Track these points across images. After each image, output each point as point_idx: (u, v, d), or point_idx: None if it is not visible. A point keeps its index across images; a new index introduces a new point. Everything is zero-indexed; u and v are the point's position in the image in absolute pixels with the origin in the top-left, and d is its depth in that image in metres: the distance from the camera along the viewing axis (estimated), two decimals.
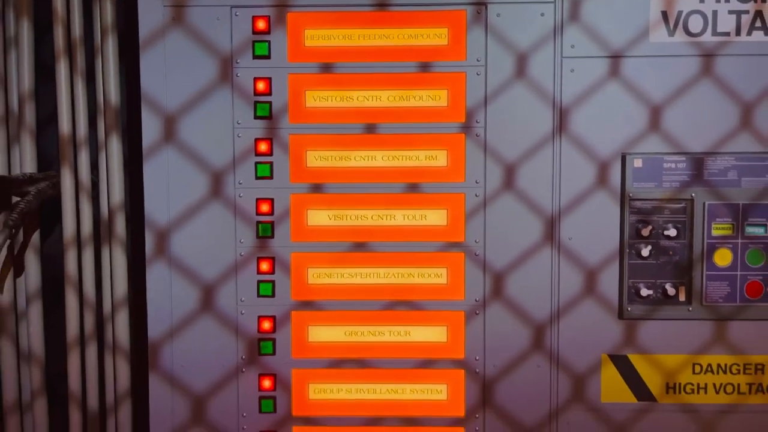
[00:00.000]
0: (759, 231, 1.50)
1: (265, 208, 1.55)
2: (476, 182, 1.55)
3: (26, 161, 1.70)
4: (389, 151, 1.55)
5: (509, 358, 1.57)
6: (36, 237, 1.73)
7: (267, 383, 1.57)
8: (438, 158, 1.55)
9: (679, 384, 1.55)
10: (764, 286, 1.51)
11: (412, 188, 1.55)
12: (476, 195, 1.55)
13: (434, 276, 1.57)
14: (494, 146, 1.54)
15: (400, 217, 1.56)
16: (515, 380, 1.57)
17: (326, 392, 1.59)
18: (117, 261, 1.71)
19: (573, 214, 1.54)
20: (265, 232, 1.55)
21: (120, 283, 1.72)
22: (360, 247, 1.56)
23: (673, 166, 1.51)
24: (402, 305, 1.57)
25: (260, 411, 1.57)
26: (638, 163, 1.51)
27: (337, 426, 1.59)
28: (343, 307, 1.57)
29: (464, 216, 1.55)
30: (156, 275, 1.56)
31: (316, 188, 1.56)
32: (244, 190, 1.55)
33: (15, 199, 1.69)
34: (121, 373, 1.75)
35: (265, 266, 1.56)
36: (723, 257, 1.51)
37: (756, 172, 1.50)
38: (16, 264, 1.73)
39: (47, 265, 1.77)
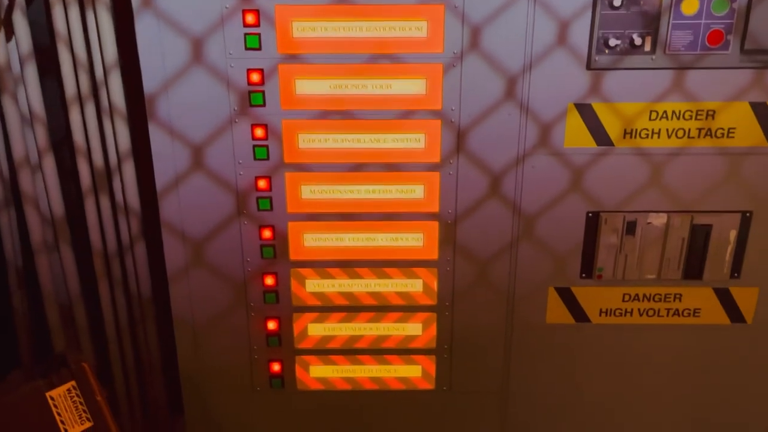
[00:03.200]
0: None
1: None
2: None
3: None
4: None
5: (483, 107, 1.69)
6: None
7: (260, 132, 1.70)
8: None
9: (636, 129, 1.70)
10: (725, 35, 1.60)
11: None
12: None
13: (415, 29, 1.63)
14: None
15: None
16: (487, 128, 1.70)
17: (314, 141, 1.73)
18: (103, 20, 1.75)
19: None
20: None
21: (109, 44, 1.78)
22: None
23: None
24: (384, 58, 1.65)
25: (255, 158, 1.72)
26: None
27: (325, 171, 1.75)
28: (327, 60, 1.65)
29: None
30: (145, 29, 1.61)
31: None
32: None
33: None
34: (120, 133, 1.87)
35: (250, 18, 1.60)
36: (690, 5, 1.58)
37: None
38: (6, 28, 1.76)
39: (34, 32, 1.80)
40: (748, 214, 1.77)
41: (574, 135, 1.71)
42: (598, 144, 1.72)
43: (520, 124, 1.70)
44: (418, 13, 1.61)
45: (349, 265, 1.85)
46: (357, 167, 1.75)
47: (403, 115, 1.70)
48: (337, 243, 1.82)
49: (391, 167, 1.75)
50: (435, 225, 1.81)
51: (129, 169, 1.94)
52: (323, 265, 1.85)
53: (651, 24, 1.60)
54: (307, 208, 1.79)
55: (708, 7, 1.58)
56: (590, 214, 1.78)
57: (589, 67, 1.64)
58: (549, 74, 1.65)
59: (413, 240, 1.83)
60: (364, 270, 1.85)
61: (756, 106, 1.67)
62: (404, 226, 1.81)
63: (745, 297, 1.86)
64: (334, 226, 1.81)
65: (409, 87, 1.68)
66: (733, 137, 1.70)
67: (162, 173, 1.74)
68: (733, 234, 1.79)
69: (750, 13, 1.57)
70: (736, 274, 1.83)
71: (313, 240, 1.82)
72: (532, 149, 1.72)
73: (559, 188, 1.76)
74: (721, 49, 1.61)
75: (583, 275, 1.84)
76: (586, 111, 1.69)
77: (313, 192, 1.77)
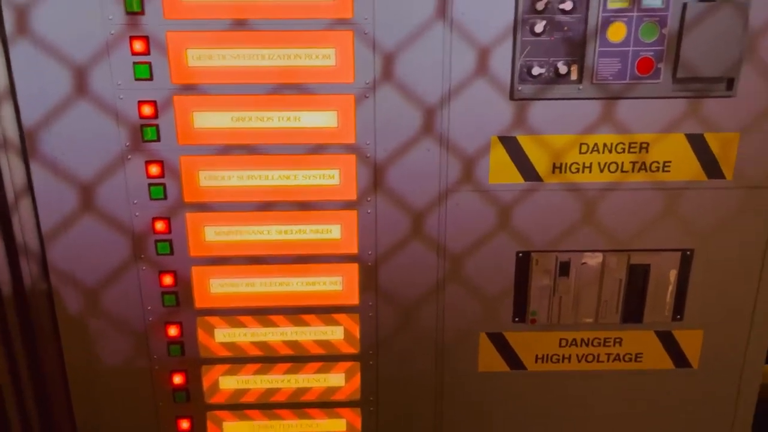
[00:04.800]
0: (655, 3, 1.44)
1: None
2: None
3: None
4: None
5: (400, 141, 1.55)
6: None
7: (154, 170, 1.54)
8: None
9: (565, 164, 1.57)
10: (655, 63, 1.48)
11: None
12: None
13: (322, 57, 1.49)
14: None
15: None
16: (406, 163, 1.57)
17: (217, 179, 1.57)
18: None
19: None
20: (133, 6, 1.42)
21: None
22: (241, 24, 1.45)
23: None
24: (289, 89, 1.51)
25: (151, 197, 1.56)
26: None
27: (231, 211, 1.60)
28: (228, 91, 1.50)
29: None
30: (21, 56, 1.45)
31: None
32: None
33: None
34: (15, 167, 1.70)
35: (139, 46, 1.45)
36: (617, 32, 1.46)
37: None
38: None
39: None
40: (688, 253, 1.65)
41: (500, 170, 1.58)
42: (526, 179, 1.59)
43: (441, 158, 1.56)
44: (325, 40, 1.48)
45: (261, 312, 1.69)
46: (266, 206, 1.60)
47: (314, 149, 1.56)
48: (247, 289, 1.67)
49: (304, 206, 1.60)
50: (354, 267, 1.66)
51: (26, 207, 1.76)
52: (233, 313, 1.69)
53: (576, 51, 1.48)
54: (212, 251, 1.63)
55: (636, 33, 1.46)
56: (520, 254, 1.65)
57: (512, 97, 1.52)
58: (470, 105, 1.52)
59: (331, 284, 1.67)
60: (278, 317, 1.69)
61: (692, 138, 1.56)
62: (321, 269, 1.66)
63: (689, 340, 1.73)
64: (244, 271, 1.65)
65: (320, 119, 1.54)
66: (669, 171, 1.58)
67: (47, 215, 1.57)
68: (673, 274, 1.66)
69: (681, 39, 1.46)
70: (678, 316, 1.70)
71: (220, 286, 1.66)
72: (455, 185, 1.59)
73: (486, 227, 1.63)
74: (651, 78, 1.50)
75: (516, 319, 1.71)
76: (510, 144, 1.56)
77: (219, 234, 1.62)
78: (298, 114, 1.54)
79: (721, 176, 1.59)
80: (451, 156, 1.56)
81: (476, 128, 1.54)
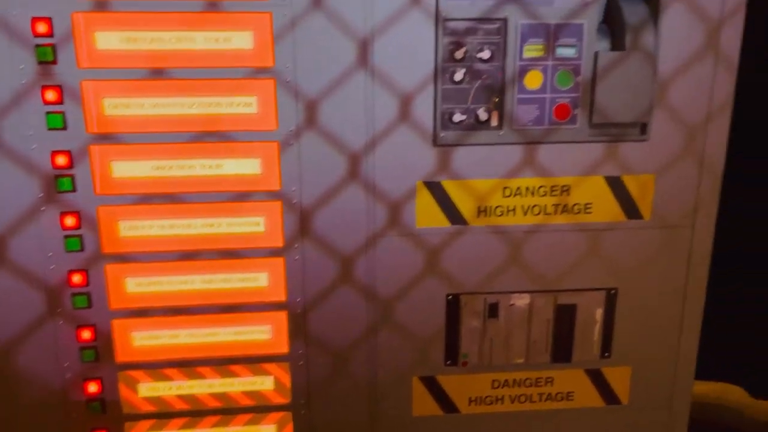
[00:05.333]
0: (569, 52, 1.49)
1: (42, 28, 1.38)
2: (283, 0, 1.42)
3: None
4: None
5: (326, 187, 1.55)
6: None
7: (70, 221, 1.49)
8: None
9: (490, 207, 1.59)
10: (572, 109, 1.53)
11: (212, 6, 1.42)
12: (284, 15, 1.43)
13: (243, 105, 1.48)
14: None
15: (201, 40, 1.43)
16: (333, 209, 1.56)
17: (138, 229, 1.53)
18: None
19: (386, 37, 1.46)
20: (45, 56, 1.38)
21: None
22: (158, 73, 1.43)
23: None
24: (211, 137, 1.49)
25: (66, 250, 1.51)
26: None
27: (153, 261, 1.55)
28: (148, 139, 1.47)
29: (272, 38, 1.44)
30: None
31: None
32: None
33: None
34: None
35: (51, 95, 1.41)
36: (533, 79, 1.50)
37: None
38: None
39: None
40: (613, 291, 1.68)
41: (426, 214, 1.59)
42: (452, 223, 1.60)
43: (368, 204, 1.56)
44: (247, 88, 1.47)
45: (187, 364, 1.63)
46: (189, 255, 1.56)
47: (238, 197, 1.53)
48: (171, 340, 1.61)
49: (229, 254, 1.57)
50: (283, 315, 1.63)
51: None
52: (157, 366, 1.63)
53: (495, 98, 1.51)
54: (133, 303, 1.57)
55: (552, 81, 1.51)
56: (450, 297, 1.65)
57: (435, 143, 1.53)
58: (395, 151, 1.53)
59: (260, 333, 1.64)
60: (205, 369, 1.64)
61: (610, 180, 1.60)
62: (248, 318, 1.62)
63: (618, 377, 1.76)
64: (167, 322, 1.60)
65: (243, 167, 1.52)
66: (590, 213, 1.62)
67: None
68: (599, 312, 1.69)
69: (595, 86, 1.51)
70: (606, 354, 1.73)
71: (143, 338, 1.60)
72: (383, 230, 1.59)
73: (415, 270, 1.63)
74: (569, 124, 1.54)
75: (448, 362, 1.70)
76: (436, 189, 1.57)
77: (140, 285, 1.57)
78: (221, 162, 1.51)
79: (640, 217, 1.64)
80: (378, 201, 1.56)
81: (402, 173, 1.55)
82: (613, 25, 1.52)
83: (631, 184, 1.61)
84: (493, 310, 1.66)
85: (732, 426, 2.51)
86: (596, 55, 1.49)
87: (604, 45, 1.52)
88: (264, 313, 1.62)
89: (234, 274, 1.59)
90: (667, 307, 1.72)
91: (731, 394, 2.63)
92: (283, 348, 1.65)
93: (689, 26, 1.51)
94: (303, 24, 1.44)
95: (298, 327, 1.63)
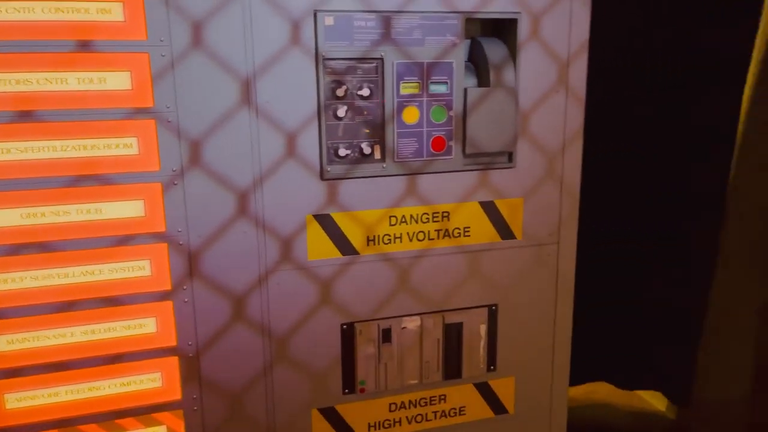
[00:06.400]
0: (441, 89, 1.61)
1: None
2: (161, 41, 1.41)
3: None
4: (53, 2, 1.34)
5: (215, 226, 1.53)
6: None
7: None
8: (113, 12, 1.38)
9: (378, 236, 1.66)
10: (447, 141, 1.64)
11: (83, 46, 1.37)
12: (162, 55, 1.42)
13: (123, 146, 1.44)
14: (179, 2, 1.40)
15: (73, 81, 1.38)
16: (222, 247, 1.54)
17: (7, 282, 1.42)
18: None
19: (268, 76, 1.50)
20: None
21: None
22: (27, 116, 1.36)
23: (363, 24, 1.53)
24: (88, 180, 1.43)
25: None
26: (330, 20, 1.50)
27: (26, 316, 1.44)
28: (17, 186, 1.38)
29: (151, 78, 1.42)
30: None
31: None
32: None
33: None
34: None
35: None
36: (411, 115, 1.60)
37: (438, 31, 1.58)
38: None
39: None
40: (494, 307, 1.81)
41: (318, 247, 1.62)
42: (343, 254, 1.64)
43: (258, 240, 1.57)
44: (126, 129, 1.43)
45: (69, 423, 1.52)
46: (67, 306, 1.47)
47: (121, 241, 1.48)
48: (51, 399, 1.50)
49: (112, 301, 1.50)
50: (174, 360, 1.57)
51: None
52: (35, 429, 1.50)
53: (377, 133, 1.59)
54: (5, 362, 1.45)
55: (428, 115, 1.62)
56: (345, 326, 1.69)
57: (322, 177, 1.58)
58: (283, 187, 1.56)
59: (149, 381, 1.57)
60: (90, 427, 1.54)
61: (485, 205, 1.73)
62: (136, 367, 1.55)
63: (504, 387, 1.88)
64: (45, 380, 1.49)
65: (124, 209, 1.47)
66: (469, 236, 1.74)
67: None
68: (483, 328, 1.81)
69: (466, 120, 1.63)
70: (492, 367, 1.85)
71: (17, 400, 1.47)
72: (275, 265, 1.60)
73: (310, 303, 1.65)
74: (445, 155, 1.65)
75: (346, 391, 1.73)
76: (326, 222, 1.61)
77: (12, 342, 1.45)
78: (99, 206, 1.45)
79: (513, 237, 1.78)
80: (269, 237, 1.57)
81: (291, 208, 1.58)
82: (477, 64, 1.66)
83: (503, 207, 1.75)
84: (386, 335, 1.71)
85: (606, 420, 2.76)
86: (465, 91, 1.62)
87: (471, 81, 1.66)
88: (153, 360, 1.56)
89: (118, 322, 1.51)
90: (541, 318, 1.88)
91: (599, 393, 2.89)
92: (176, 395, 1.59)
93: (543, 64, 1.69)
94: (183, 63, 1.43)
95: (191, 371, 1.58)
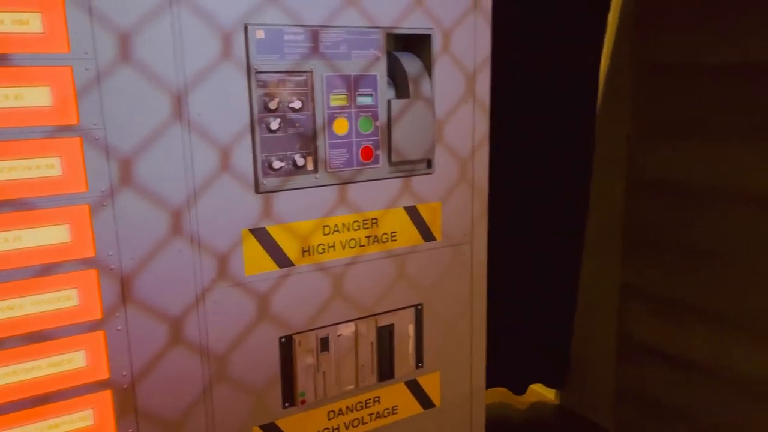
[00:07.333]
0: (368, 100, 1.68)
1: None
2: (85, 54, 1.33)
3: None
4: None
5: (148, 247, 1.46)
6: None
7: None
8: (30, 23, 1.27)
9: (313, 246, 1.68)
10: (374, 150, 1.71)
11: (2, 60, 1.25)
12: (87, 69, 1.33)
13: (45, 167, 1.32)
14: (104, 13, 1.33)
15: None
16: (157, 269, 1.47)
17: None
18: None
19: (201, 89, 1.46)
20: None
21: None
22: None
23: (293, 38, 1.55)
24: (6, 206, 1.30)
25: None
26: (261, 34, 1.50)
27: None
28: None
29: (75, 93, 1.33)
30: None
31: None
32: None
33: None
34: None
35: None
36: (341, 126, 1.65)
37: (362, 45, 1.65)
38: None
39: None
40: (419, 307, 1.90)
41: (254, 261, 1.60)
42: (280, 266, 1.64)
43: (194, 258, 1.52)
44: (47, 148, 1.32)
45: None
46: None
47: (44, 270, 1.36)
48: None
49: (35, 337, 1.37)
50: (107, 395, 1.47)
51: None
52: None
53: (310, 144, 1.62)
54: None
55: (356, 126, 1.67)
56: (283, 339, 1.68)
57: (257, 190, 1.57)
58: (218, 202, 1.52)
59: (80, 420, 1.45)
60: None
61: (409, 210, 1.82)
62: (65, 406, 1.42)
63: (430, 383, 1.98)
64: None
65: (47, 236, 1.35)
66: (396, 240, 1.82)
67: None
68: (411, 328, 1.89)
69: (391, 130, 1.71)
70: (420, 364, 1.94)
71: None
72: (212, 283, 1.55)
73: (248, 319, 1.62)
74: (373, 164, 1.72)
75: (286, 404, 1.72)
76: (261, 235, 1.60)
77: None
78: (18, 233, 1.32)
79: (433, 239, 1.89)
80: (205, 254, 1.53)
81: (227, 223, 1.55)
82: (394, 77, 1.75)
83: (424, 211, 1.85)
84: (324, 344, 1.73)
85: (503, 415, 2.99)
86: (389, 103, 1.70)
87: (390, 93, 1.74)
88: (84, 397, 1.44)
89: (43, 359, 1.39)
90: (459, 314, 2.00)
91: (494, 396, 3.13)
92: (110, 430, 1.48)
93: (453, 76, 1.83)
94: (110, 77, 1.36)
95: (126, 404, 1.49)
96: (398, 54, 1.75)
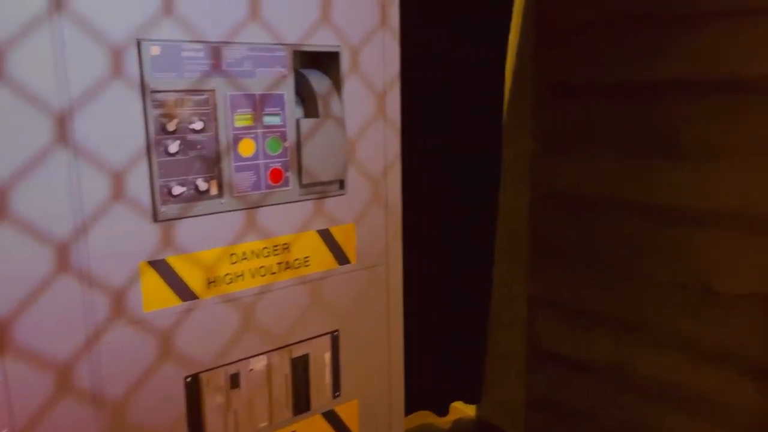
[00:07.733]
0: (275, 120, 1.59)
1: None
2: None
3: None
4: None
5: (27, 290, 1.29)
6: None
7: None
8: None
9: (219, 276, 1.57)
10: (284, 172, 1.63)
11: None
12: None
13: None
14: None
15: None
16: (38, 313, 1.31)
17: None
18: None
19: (88, 110, 1.32)
20: None
21: None
22: None
23: (192, 54, 1.44)
24: None
25: None
26: (156, 50, 1.38)
27: None
28: None
29: None
30: None
31: None
32: None
33: None
34: None
35: None
36: (246, 147, 1.55)
37: (267, 63, 1.56)
38: None
39: None
40: (335, 333, 1.83)
41: (154, 296, 1.47)
42: (183, 300, 1.51)
43: (84, 297, 1.36)
44: None
45: None
46: None
47: None
48: None
49: None
50: None
51: None
52: None
53: (213, 168, 1.51)
54: None
55: (264, 147, 1.58)
56: (189, 379, 1.55)
57: (156, 219, 1.44)
58: (111, 234, 1.38)
59: None
60: None
61: (322, 233, 1.75)
62: None
63: (349, 412, 1.90)
64: None
65: None
66: (309, 265, 1.74)
67: None
68: (327, 356, 1.81)
69: (300, 150, 1.64)
70: (337, 393, 1.86)
71: None
72: (105, 324, 1.40)
73: (148, 359, 1.48)
74: (282, 186, 1.63)
75: None
76: (162, 267, 1.47)
77: None
78: None
79: (348, 261, 1.82)
80: (97, 291, 1.38)
81: (122, 257, 1.41)
82: (302, 95, 1.68)
83: (337, 234, 1.79)
84: (234, 381, 1.62)
85: None
86: (298, 122, 1.62)
87: (298, 112, 1.67)
88: None
89: None
90: (376, 339, 1.95)
91: (417, 419, 3.10)
92: None
93: (363, 95, 1.78)
94: None
95: None
96: (306, 72, 1.68)
